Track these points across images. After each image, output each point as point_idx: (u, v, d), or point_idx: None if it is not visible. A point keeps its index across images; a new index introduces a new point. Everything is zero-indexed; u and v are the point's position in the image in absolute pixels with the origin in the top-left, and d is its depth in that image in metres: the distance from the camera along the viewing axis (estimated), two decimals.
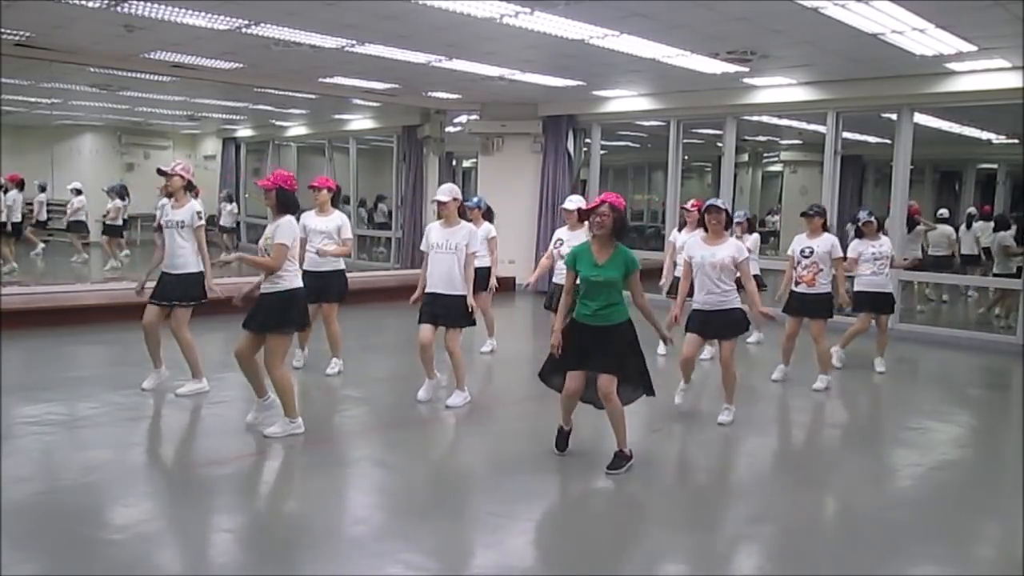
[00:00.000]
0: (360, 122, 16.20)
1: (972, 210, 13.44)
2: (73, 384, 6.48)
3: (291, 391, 5.17)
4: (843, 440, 6.08)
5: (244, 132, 19.50)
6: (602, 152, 13.16)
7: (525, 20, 7.12)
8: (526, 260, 12.35)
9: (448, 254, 5.85)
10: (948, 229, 11.93)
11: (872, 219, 7.65)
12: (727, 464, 5.38)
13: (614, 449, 4.77)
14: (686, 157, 12.58)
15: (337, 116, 16.25)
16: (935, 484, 5.01)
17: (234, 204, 17.37)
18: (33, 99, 14.03)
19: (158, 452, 4.95)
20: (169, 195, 6.03)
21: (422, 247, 6.09)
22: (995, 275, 10.52)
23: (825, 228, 7.11)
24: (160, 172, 6.06)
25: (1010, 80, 8.61)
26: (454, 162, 16.30)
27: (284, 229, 5.03)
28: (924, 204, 14.70)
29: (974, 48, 7.69)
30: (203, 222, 5.97)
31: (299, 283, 5.17)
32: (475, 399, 6.34)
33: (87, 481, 4.41)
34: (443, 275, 5.87)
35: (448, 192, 5.97)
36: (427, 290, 5.95)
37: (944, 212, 12.90)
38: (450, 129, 14.80)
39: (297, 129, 18.09)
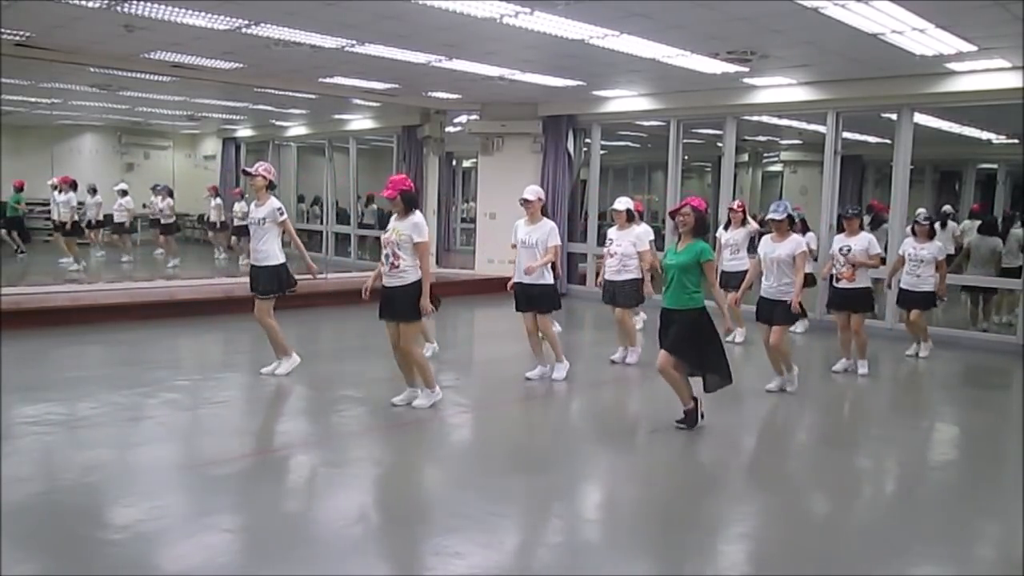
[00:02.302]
0: (360, 122, 16.18)
1: (947, 208, 13.31)
2: (73, 384, 6.47)
3: (429, 367, 5.94)
4: (844, 440, 6.07)
5: (244, 132, 19.50)
6: (602, 152, 13.14)
7: (525, 20, 7.12)
8: None
9: (531, 249, 6.54)
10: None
11: (925, 222, 8.04)
12: (725, 459, 5.37)
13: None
14: (686, 157, 12.56)
15: (337, 116, 16.23)
16: (935, 484, 5.01)
17: (243, 202, 17.36)
18: (33, 99, 14.04)
19: (158, 452, 4.94)
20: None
21: (512, 241, 6.73)
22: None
23: (862, 227, 7.47)
24: (245, 173, 6.62)
25: (1010, 80, 8.61)
26: (454, 162, 16.26)
27: (422, 227, 5.57)
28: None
29: (974, 48, 7.69)
30: (285, 216, 6.45)
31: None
32: (478, 399, 6.36)
33: (87, 481, 4.41)
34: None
35: (534, 192, 6.64)
36: (516, 280, 6.68)
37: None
38: (450, 129, 14.79)
39: (297, 129, 18.08)
